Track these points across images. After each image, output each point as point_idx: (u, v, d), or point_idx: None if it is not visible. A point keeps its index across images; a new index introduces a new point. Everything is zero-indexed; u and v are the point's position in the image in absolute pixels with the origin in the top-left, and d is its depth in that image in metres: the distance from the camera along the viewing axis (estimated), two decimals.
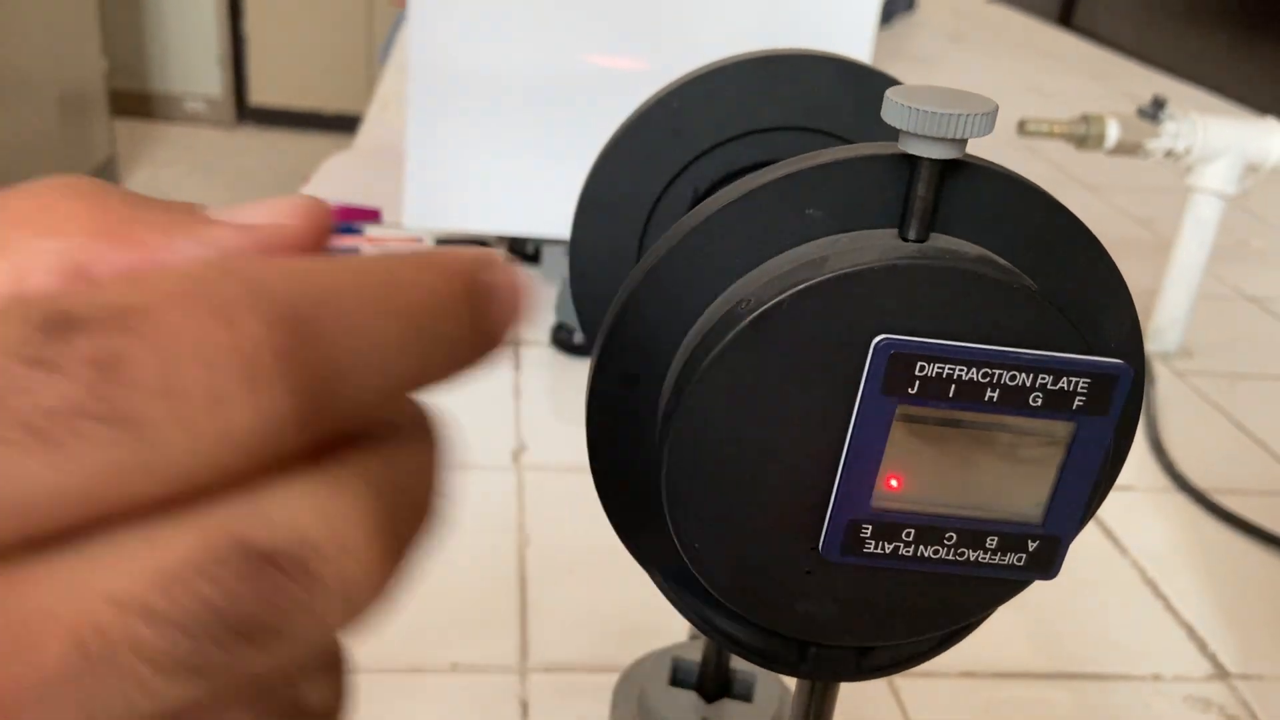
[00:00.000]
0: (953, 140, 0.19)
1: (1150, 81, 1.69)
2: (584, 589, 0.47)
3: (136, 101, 3.32)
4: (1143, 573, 0.53)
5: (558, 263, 0.74)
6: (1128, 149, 0.71)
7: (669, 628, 0.44)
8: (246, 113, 3.53)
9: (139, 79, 3.33)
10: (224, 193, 3.00)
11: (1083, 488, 0.20)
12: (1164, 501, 0.59)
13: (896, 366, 0.19)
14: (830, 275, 0.19)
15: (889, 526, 0.20)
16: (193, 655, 0.11)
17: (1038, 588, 0.21)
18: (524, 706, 0.41)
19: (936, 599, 0.21)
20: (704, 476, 0.20)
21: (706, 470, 0.20)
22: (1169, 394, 0.70)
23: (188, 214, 0.14)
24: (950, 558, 0.20)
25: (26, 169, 2.41)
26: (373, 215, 0.82)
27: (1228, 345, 0.78)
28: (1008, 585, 0.21)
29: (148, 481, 0.11)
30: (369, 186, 0.86)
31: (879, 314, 0.19)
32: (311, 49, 3.48)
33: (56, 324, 0.11)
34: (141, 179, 3.02)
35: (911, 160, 0.19)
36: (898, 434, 0.19)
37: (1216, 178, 0.70)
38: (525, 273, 0.15)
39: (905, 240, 0.20)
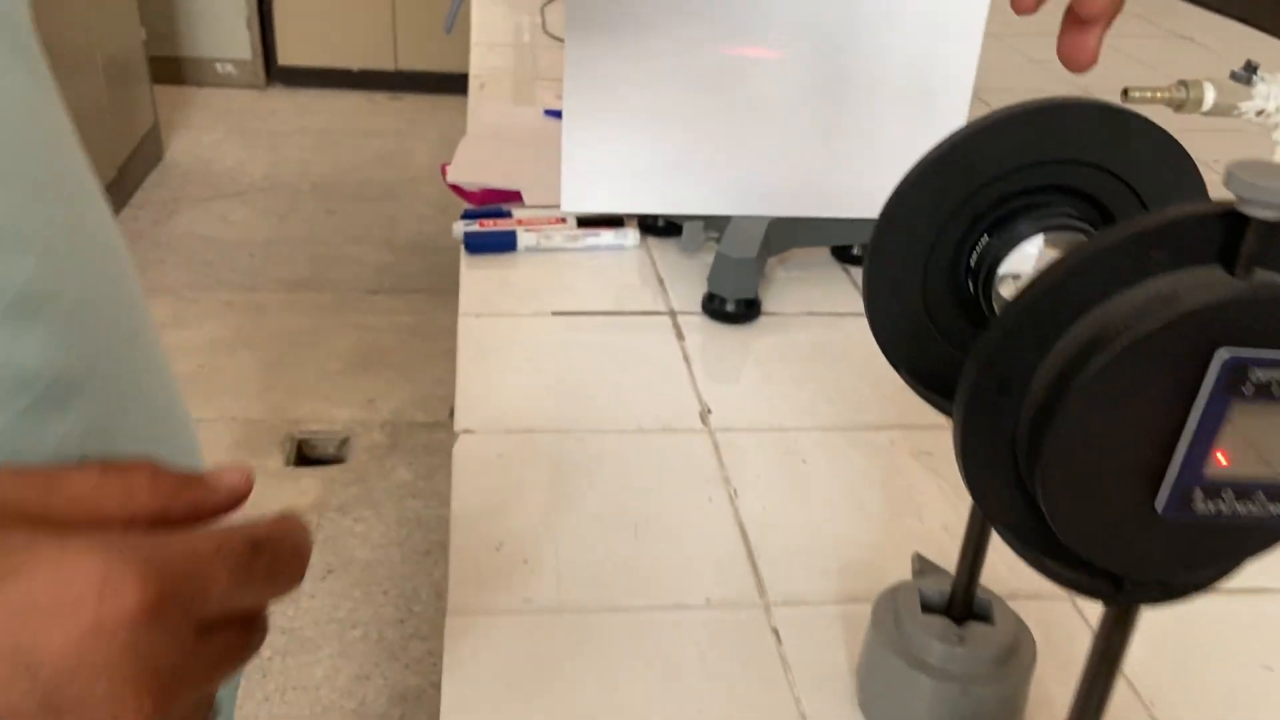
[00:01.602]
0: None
1: (1184, 12, 1.73)
2: (795, 533, 0.55)
3: (171, 67, 3.36)
4: None
5: (697, 238, 0.81)
6: (1222, 110, 0.77)
7: (885, 568, 0.52)
8: (275, 73, 3.55)
9: (171, 44, 3.36)
10: (265, 153, 3.06)
11: None
12: None
13: (1233, 373, 0.26)
14: (1186, 310, 0.26)
15: (1214, 489, 0.27)
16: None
17: None
18: (776, 634, 0.49)
19: (1235, 542, 0.29)
20: (1075, 461, 0.28)
21: (1077, 456, 0.28)
22: None
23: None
24: (1256, 512, 0.28)
25: (80, 138, 2.45)
26: (515, 197, 0.89)
27: None
28: None
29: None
30: (503, 168, 0.93)
31: (1220, 334, 0.26)
32: (336, 8, 3.49)
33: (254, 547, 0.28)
34: (185, 144, 3.08)
35: (1243, 217, 0.26)
36: (1229, 422, 0.27)
37: None
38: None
39: (1235, 277, 0.27)
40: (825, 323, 0.76)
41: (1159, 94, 0.77)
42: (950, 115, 0.79)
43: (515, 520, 0.55)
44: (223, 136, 3.19)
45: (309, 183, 2.93)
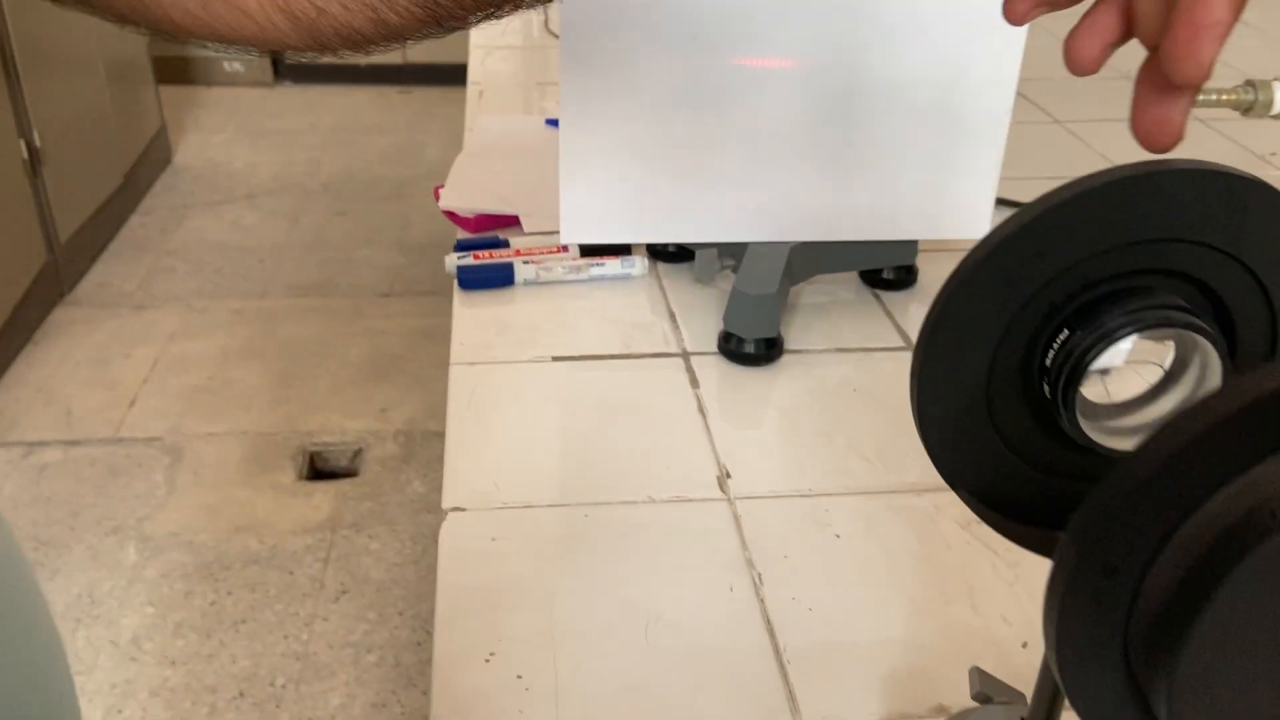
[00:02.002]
0: None
1: None
2: (830, 629, 0.48)
3: (177, 67, 3.30)
4: None
5: (711, 267, 0.74)
6: None
7: (937, 678, 0.45)
8: (283, 70, 3.49)
9: (177, 44, 3.30)
10: (274, 153, 3.00)
11: None
12: None
13: None
14: None
15: None
16: None
17: None
18: None
19: None
20: (1220, 675, 0.21)
21: (1224, 668, 0.21)
22: None
23: None
24: None
25: (86, 144, 2.42)
26: (513, 222, 0.82)
27: None
28: None
29: None
30: (501, 190, 0.86)
31: None
32: None
33: None
34: (194, 146, 3.02)
35: None
36: None
37: None
38: None
39: None
40: (856, 361, 0.69)
41: (1225, 96, 0.69)
42: (988, 128, 0.71)
43: (509, 622, 0.48)
44: (232, 137, 3.14)
45: (319, 183, 2.87)
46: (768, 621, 0.48)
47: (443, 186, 0.86)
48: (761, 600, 0.50)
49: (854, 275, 0.79)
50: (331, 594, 1.59)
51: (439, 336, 2.30)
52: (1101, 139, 1.06)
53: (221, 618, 1.52)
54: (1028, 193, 1.09)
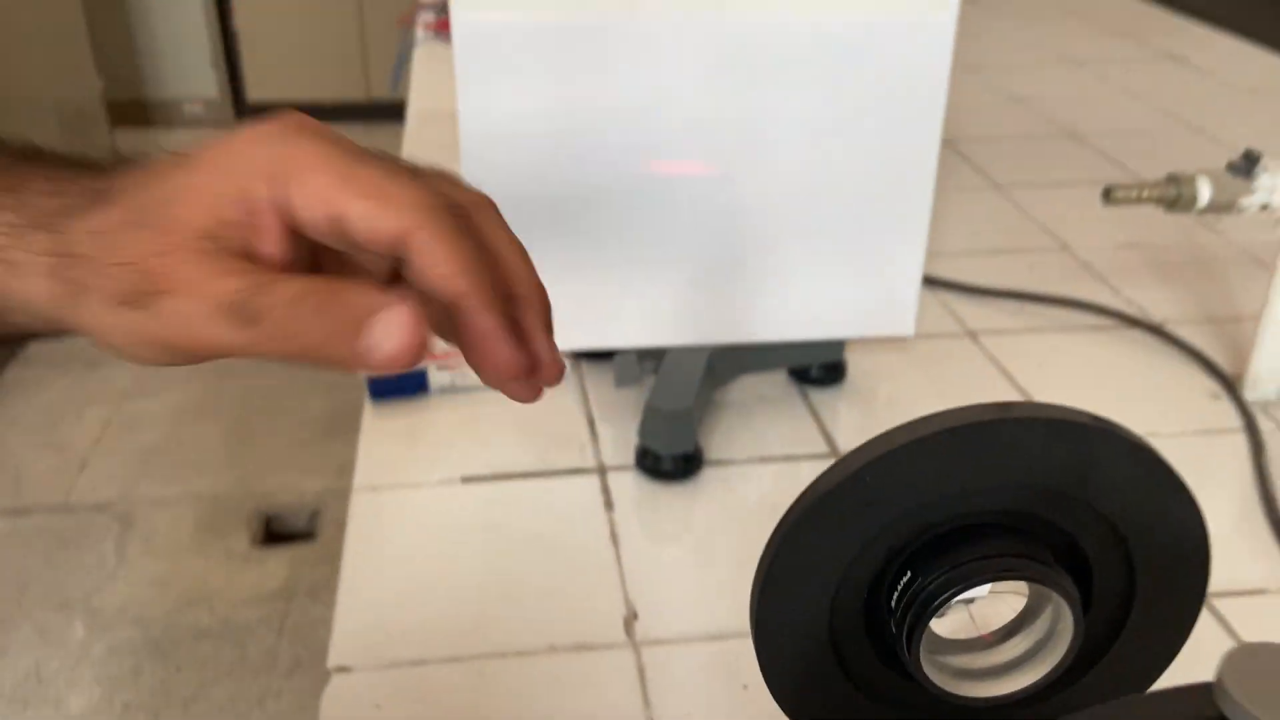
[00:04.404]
0: None
1: (1175, 30, 1.62)
2: None
3: (134, 110, 3.27)
4: None
5: (631, 371, 0.72)
6: (1221, 207, 0.67)
7: None
8: (245, 110, 3.46)
9: (134, 88, 3.27)
10: None
11: None
12: None
13: None
14: None
15: None
16: None
17: None
18: None
19: None
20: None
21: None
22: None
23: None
24: None
25: None
26: None
27: None
28: None
29: None
30: None
31: None
32: (304, 41, 3.40)
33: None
34: None
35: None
36: None
37: None
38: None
39: None
40: (779, 471, 0.67)
41: (1146, 193, 0.67)
42: (909, 224, 0.69)
43: None
44: None
45: None
46: None
47: None
48: None
49: (781, 371, 0.77)
50: (284, 668, 1.55)
51: None
52: (1039, 204, 1.04)
53: (170, 697, 1.49)
54: (964, 268, 1.07)
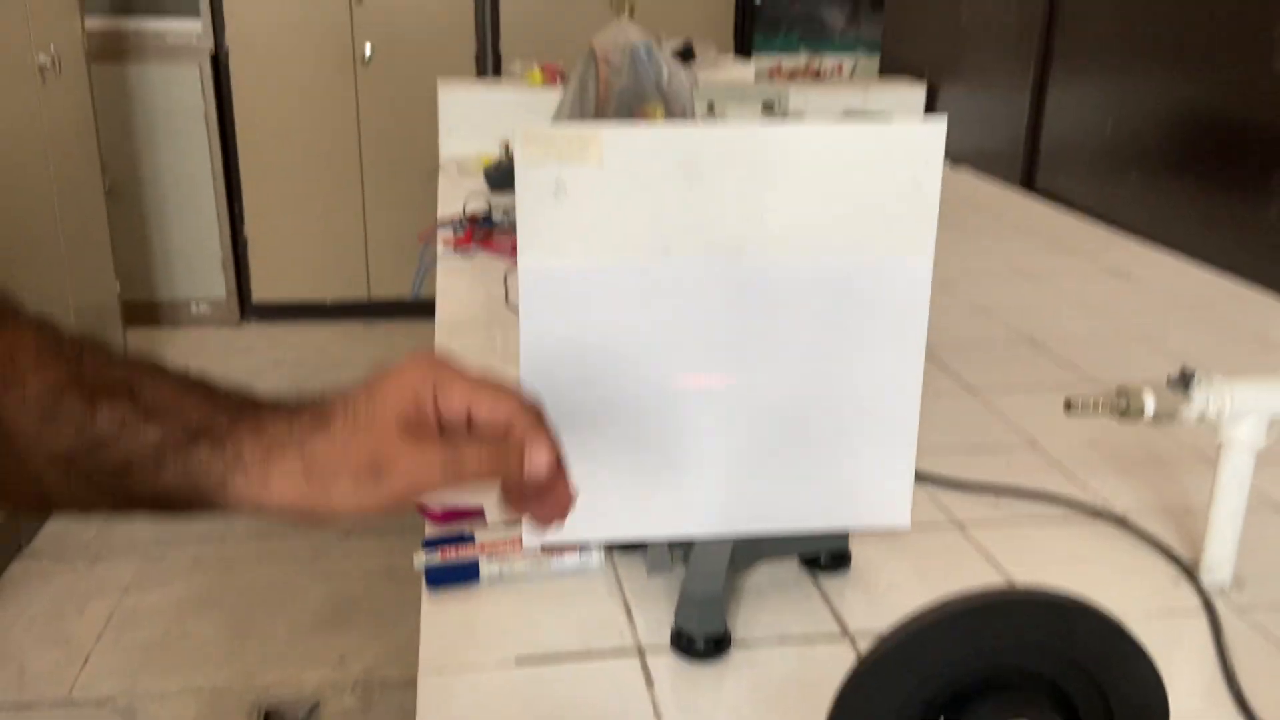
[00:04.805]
0: None
1: (1121, 248, 1.81)
2: None
3: (145, 311, 3.42)
4: None
5: (663, 561, 0.81)
6: (1164, 417, 0.79)
7: None
8: (250, 310, 3.63)
9: (146, 289, 3.44)
10: None
11: None
12: None
13: None
14: None
15: None
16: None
17: None
18: None
19: None
20: None
21: None
22: (1237, 637, 0.76)
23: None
24: None
25: None
26: (478, 514, 0.89)
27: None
28: None
29: None
30: None
31: None
32: (311, 243, 3.61)
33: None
34: None
35: None
36: None
37: (1247, 435, 0.78)
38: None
39: None
40: (798, 653, 0.75)
41: (1101, 404, 0.79)
42: (900, 427, 0.80)
43: None
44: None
45: None
46: None
47: None
48: None
49: (793, 558, 0.86)
50: None
51: (400, 577, 2.31)
52: (1009, 406, 1.17)
53: None
54: (948, 464, 1.17)
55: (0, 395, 0.43)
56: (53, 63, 2.53)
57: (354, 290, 3.68)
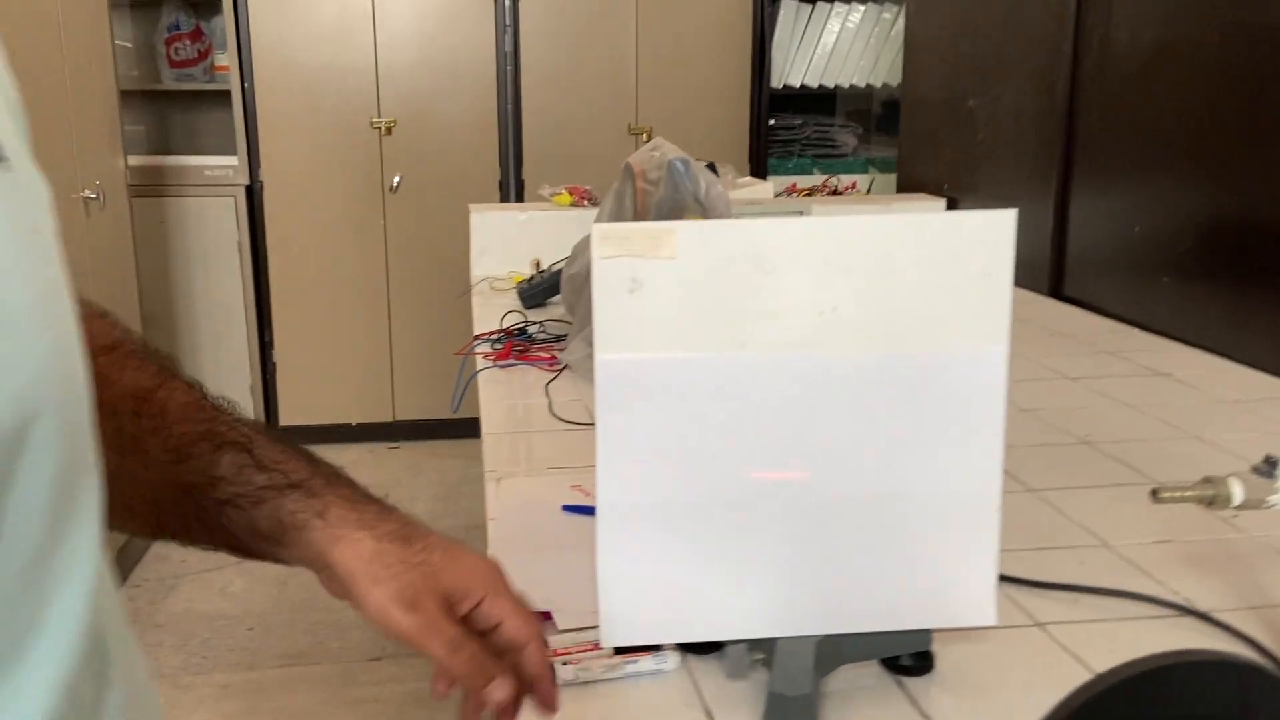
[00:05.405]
0: None
1: (1157, 349, 1.81)
2: None
3: None
4: None
5: (742, 662, 0.78)
6: (1253, 504, 0.77)
7: None
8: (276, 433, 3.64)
9: None
10: None
11: None
12: None
13: None
14: None
15: None
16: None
17: None
18: None
19: None
20: None
21: None
22: None
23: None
24: None
25: None
26: (546, 619, 0.87)
27: None
28: None
29: None
30: (532, 586, 0.91)
31: None
32: (336, 367, 3.64)
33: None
34: None
35: None
36: None
37: None
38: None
39: None
40: None
41: (1189, 493, 0.78)
42: (982, 524, 0.79)
43: None
44: None
45: None
46: None
47: None
48: None
49: (873, 662, 0.83)
50: None
51: (428, 703, 2.24)
52: (1073, 505, 1.15)
53: None
54: (1017, 562, 1.14)
55: (149, 437, 0.55)
56: (97, 197, 2.61)
57: (380, 412, 3.69)
